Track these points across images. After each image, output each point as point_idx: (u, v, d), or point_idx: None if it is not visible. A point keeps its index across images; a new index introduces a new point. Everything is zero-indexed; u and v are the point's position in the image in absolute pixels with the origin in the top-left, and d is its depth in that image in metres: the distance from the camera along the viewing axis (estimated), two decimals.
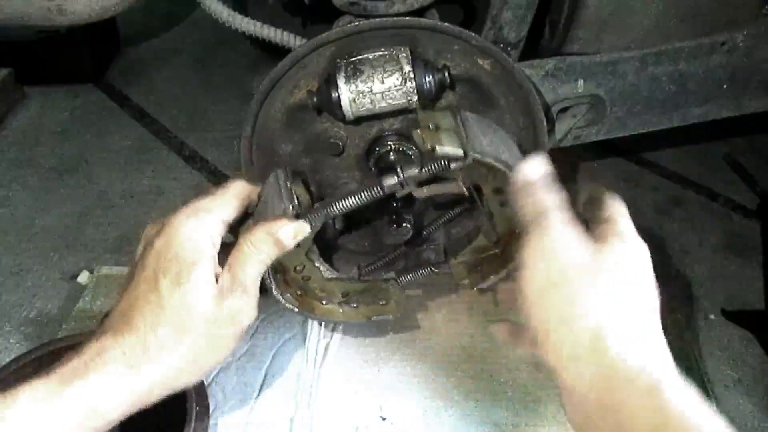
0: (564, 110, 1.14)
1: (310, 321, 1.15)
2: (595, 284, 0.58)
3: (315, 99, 0.91)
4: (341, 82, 0.88)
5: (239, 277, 0.67)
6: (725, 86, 1.17)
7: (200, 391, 0.96)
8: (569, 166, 1.62)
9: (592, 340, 0.56)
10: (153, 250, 0.64)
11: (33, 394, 0.60)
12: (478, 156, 0.74)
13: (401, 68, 0.88)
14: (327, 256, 1.14)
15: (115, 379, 0.60)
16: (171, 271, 0.62)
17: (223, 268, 0.67)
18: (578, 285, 0.58)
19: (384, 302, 1.00)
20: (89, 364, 0.60)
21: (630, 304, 0.59)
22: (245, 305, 0.66)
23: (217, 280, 0.65)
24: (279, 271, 0.86)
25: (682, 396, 0.54)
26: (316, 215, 0.76)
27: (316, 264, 0.90)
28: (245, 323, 0.68)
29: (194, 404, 0.92)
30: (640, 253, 0.63)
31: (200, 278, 0.63)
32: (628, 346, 0.57)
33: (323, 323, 1.14)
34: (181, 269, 0.62)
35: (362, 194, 0.79)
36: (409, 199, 0.94)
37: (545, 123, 0.97)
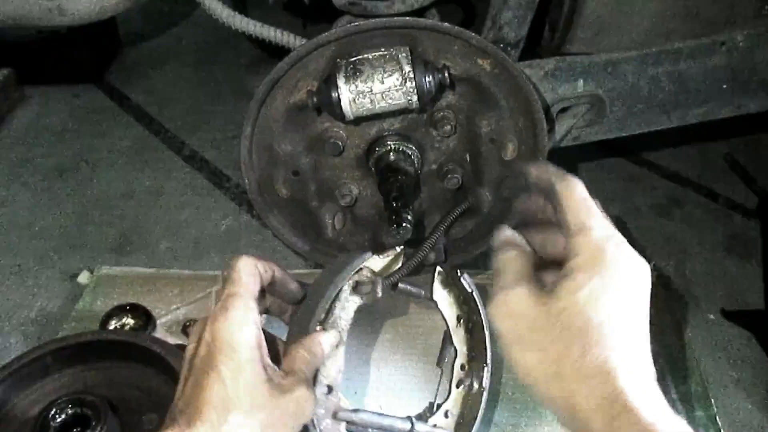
0: (564, 110, 1.14)
1: None
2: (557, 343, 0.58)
3: (315, 99, 0.91)
4: (341, 82, 0.88)
5: (294, 367, 0.71)
6: (725, 86, 1.17)
7: None
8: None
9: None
10: (205, 343, 0.66)
11: None
12: None
13: (401, 68, 0.88)
14: (327, 255, 1.14)
15: None
16: (230, 362, 0.64)
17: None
18: (539, 344, 0.59)
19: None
20: None
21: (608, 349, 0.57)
22: (307, 399, 0.69)
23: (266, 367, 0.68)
24: None
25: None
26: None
27: None
28: (305, 418, 0.70)
29: None
30: (624, 279, 0.59)
31: (256, 367, 0.65)
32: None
33: None
34: (238, 361, 0.64)
35: None
36: (409, 199, 0.94)
37: (545, 123, 0.97)
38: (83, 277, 1.33)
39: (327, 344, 0.77)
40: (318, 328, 0.78)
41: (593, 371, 0.54)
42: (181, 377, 0.67)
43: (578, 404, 0.55)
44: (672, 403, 1.10)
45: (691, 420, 1.07)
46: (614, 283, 0.58)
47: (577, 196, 0.64)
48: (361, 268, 0.85)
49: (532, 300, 0.60)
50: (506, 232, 0.70)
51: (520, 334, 0.60)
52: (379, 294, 0.83)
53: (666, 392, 1.09)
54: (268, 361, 0.68)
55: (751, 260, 1.45)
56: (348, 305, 0.81)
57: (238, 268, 0.71)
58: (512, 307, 0.61)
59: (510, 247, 0.68)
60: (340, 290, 0.80)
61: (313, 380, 0.77)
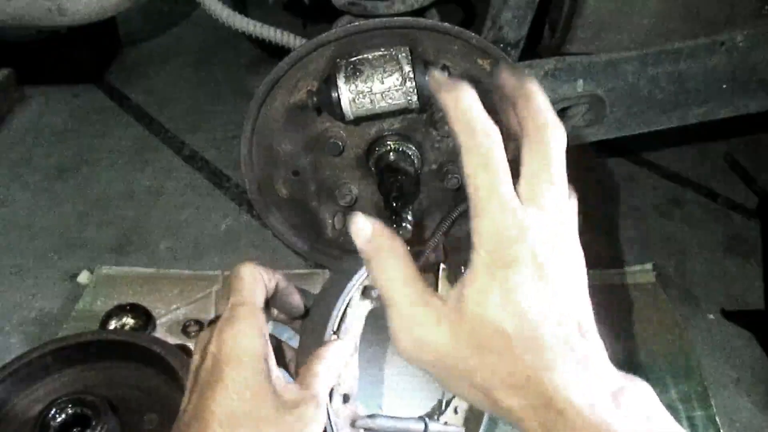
0: (564, 110, 1.14)
1: None
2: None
3: (315, 99, 0.91)
4: (341, 82, 0.88)
5: (304, 380, 0.69)
6: (725, 86, 1.17)
7: None
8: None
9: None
10: (211, 355, 0.64)
11: None
12: None
13: (401, 68, 0.88)
14: (327, 255, 1.14)
15: None
16: (236, 376, 0.62)
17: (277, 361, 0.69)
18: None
19: None
20: None
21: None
22: (316, 414, 0.67)
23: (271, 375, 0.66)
24: None
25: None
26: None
27: None
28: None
29: None
30: (531, 269, 0.51)
31: (263, 381, 0.63)
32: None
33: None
34: (244, 375, 0.62)
35: None
36: (409, 199, 0.94)
37: None
38: (83, 277, 1.33)
39: (345, 354, 0.75)
40: (333, 337, 0.77)
41: (522, 382, 0.50)
42: (186, 389, 0.66)
43: (513, 410, 0.51)
44: (672, 403, 1.11)
45: (691, 420, 1.07)
46: (522, 277, 0.50)
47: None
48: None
49: (442, 328, 0.53)
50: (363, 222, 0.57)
51: (443, 366, 0.54)
52: None
53: (666, 392, 1.10)
54: (278, 373, 0.66)
55: (751, 260, 1.45)
56: (359, 311, 0.81)
57: (242, 277, 0.68)
58: (420, 338, 0.54)
59: (386, 255, 0.56)
60: (351, 297, 0.79)
61: (330, 392, 0.76)
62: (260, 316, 0.66)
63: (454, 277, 0.99)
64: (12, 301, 1.29)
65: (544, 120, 0.54)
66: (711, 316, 1.31)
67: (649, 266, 1.36)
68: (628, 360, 1.15)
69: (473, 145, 0.52)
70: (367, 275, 0.81)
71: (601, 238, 1.47)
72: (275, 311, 0.79)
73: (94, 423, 0.90)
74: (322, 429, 0.70)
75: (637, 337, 1.19)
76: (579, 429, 0.48)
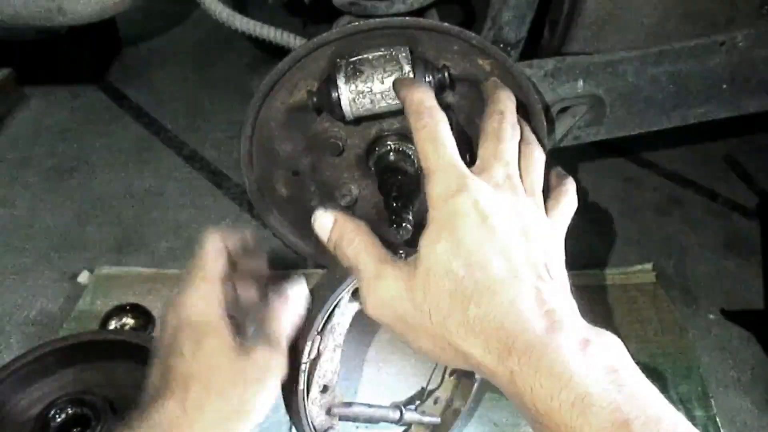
0: (564, 110, 1.14)
1: None
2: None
3: (315, 99, 0.91)
4: (341, 82, 0.88)
5: (266, 331, 0.70)
6: (725, 86, 1.17)
7: None
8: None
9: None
10: (170, 326, 0.67)
11: None
12: None
13: (401, 68, 0.88)
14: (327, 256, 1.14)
15: None
16: (191, 340, 0.65)
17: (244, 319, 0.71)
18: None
19: None
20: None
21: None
22: (271, 358, 0.68)
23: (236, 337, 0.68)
24: None
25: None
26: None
27: None
28: (272, 377, 0.68)
29: None
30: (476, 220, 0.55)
31: (218, 339, 0.66)
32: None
33: None
34: (199, 337, 0.65)
35: None
36: (409, 199, 0.94)
37: (545, 123, 0.97)
38: (83, 277, 1.33)
39: (299, 304, 0.75)
40: (317, 335, 0.79)
41: (478, 326, 0.51)
42: (151, 366, 0.68)
43: (475, 357, 0.52)
44: (672, 404, 1.11)
45: (692, 420, 1.07)
46: (467, 225, 0.54)
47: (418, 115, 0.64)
48: None
49: (399, 281, 0.57)
50: (327, 220, 0.65)
51: (404, 321, 0.58)
52: None
53: (666, 392, 1.10)
54: (235, 330, 0.67)
55: (750, 260, 1.45)
56: (347, 311, 0.82)
57: (203, 247, 0.71)
58: (381, 297, 0.58)
59: (352, 234, 0.63)
60: (341, 298, 0.80)
61: (309, 382, 0.78)
62: (215, 283, 0.69)
63: None
64: (12, 301, 1.29)
65: (500, 117, 0.67)
66: (711, 316, 1.31)
67: (649, 266, 1.36)
68: None
69: (421, 124, 0.61)
70: None
71: (601, 238, 1.47)
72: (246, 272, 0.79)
73: (94, 423, 0.90)
74: (281, 373, 0.70)
75: (637, 337, 1.20)
76: (544, 375, 0.48)
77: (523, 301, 0.51)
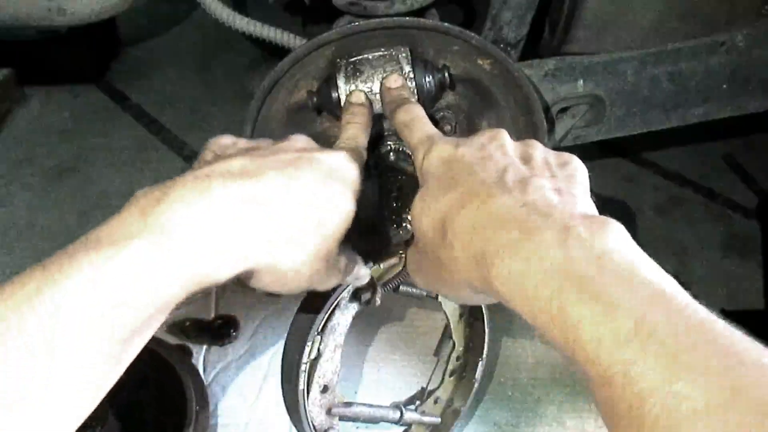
0: (564, 110, 1.14)
1: None
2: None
3: (315, 99, 0.91)
4: (341, 82, 0.88)
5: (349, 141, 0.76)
6: (725, 86, 1.17)
7: (200, 391, 0.97)
8: None
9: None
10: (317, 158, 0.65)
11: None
12: None
13: (401, 68, 0.88)
14: None
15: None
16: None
17: None
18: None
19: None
20: None
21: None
22: (356, 156, 0.71)
23: None
24: None
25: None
26: None
27: None
28: (353, 170, 0.68)
29: (194, 404, 0.92)
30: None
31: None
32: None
33: None
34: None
35: None
36: (409, 199, 0.94)
37: (545, 123, 0.97)
38: None
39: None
40: (317, 335, 0.79)
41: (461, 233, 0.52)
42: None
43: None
44: None
45: None
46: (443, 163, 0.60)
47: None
48: None
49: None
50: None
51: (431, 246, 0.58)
52: (378, 302, 0.84)
53: None
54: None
55: (751, 260, 1.45)
56: (347, 311, 0.82)
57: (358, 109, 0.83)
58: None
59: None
60: (341, 298, 0.80)
61: (309, 383, 0.78)
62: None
63: None
64: None
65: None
66: None
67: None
68: None
69: (399, 109, 0.74)
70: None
71: None
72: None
73: (94, 423, 0.90)
74: (361, 169, 0.71)
75: None
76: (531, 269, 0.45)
77: (503, 206, 0.50)
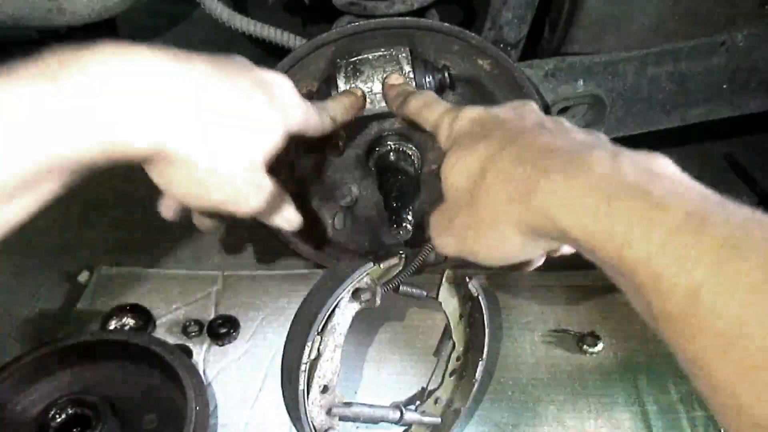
0: (564, 110, 1.14)
1: None
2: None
3: (315, 99, 0.91)
4: (341, 82, 0.88)
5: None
6: (725, 86, 1.17)
7: (200, 391, 0.97)
8: None
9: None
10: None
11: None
12: None
13: (401, 68, 0.88)
14: (327, 256, 1.14)
15: None
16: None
17: None
18: None
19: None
20: None
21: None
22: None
23: None
24: None
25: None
26: None
27: None
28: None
29: (194, 404, 0.92)
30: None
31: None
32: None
33: None
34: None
35: None
36: (409, 199, 0.94)
37: None
38: (83, 277, 1.33)
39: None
40: (317, 335, 0.79)
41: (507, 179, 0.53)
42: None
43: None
44: (672, 404, 1.11)
45: (692, 420, 1.07)
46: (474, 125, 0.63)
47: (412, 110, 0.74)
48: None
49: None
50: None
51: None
52: (378, 303, 0.83)
53: (666, 393, 1.10)
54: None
55: None
56: (347, 311, 0.82)
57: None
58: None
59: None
60: (341, 298, 0.80)
61: (309, 383, 0.78)
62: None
63: (457, 281, 1.00)
64: (12, 301, 1.29)
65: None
66: None
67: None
68: (628, 360, 1.15)
69: (411, 97, 0.75)
70: (359, 279, 0.82)
71: None
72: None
73: (94, 423, 0.90)
74: (314, 125, 0.72)
75: (638, 337, 1.19)
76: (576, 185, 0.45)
77: (548, 141, 0.52)
